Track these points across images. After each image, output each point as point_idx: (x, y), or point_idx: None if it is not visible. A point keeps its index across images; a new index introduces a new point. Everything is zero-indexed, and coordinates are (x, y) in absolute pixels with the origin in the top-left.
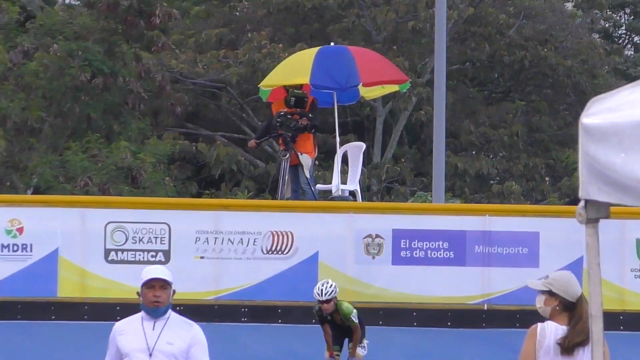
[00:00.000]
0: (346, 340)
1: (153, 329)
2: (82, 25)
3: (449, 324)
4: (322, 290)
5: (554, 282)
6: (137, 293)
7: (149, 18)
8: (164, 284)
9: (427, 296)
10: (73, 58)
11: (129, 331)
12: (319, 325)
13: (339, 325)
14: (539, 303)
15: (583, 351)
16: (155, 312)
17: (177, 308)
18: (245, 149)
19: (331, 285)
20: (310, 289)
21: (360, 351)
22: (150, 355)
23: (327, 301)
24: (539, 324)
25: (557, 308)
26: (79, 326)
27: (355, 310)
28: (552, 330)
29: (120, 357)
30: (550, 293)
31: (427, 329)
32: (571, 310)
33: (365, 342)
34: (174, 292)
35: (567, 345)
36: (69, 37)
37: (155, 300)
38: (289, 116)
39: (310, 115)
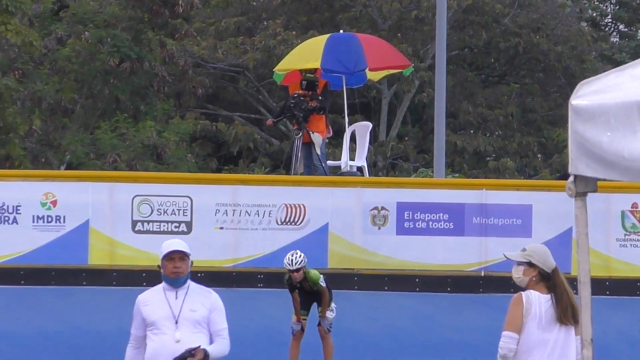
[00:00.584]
0: (314, 305)
1: (176, 298)
2: (111, 14)
3: (448, 289)
4: (292, 260)
5: (533, 254)
6: (158, 266)
7: (173, 7)
8: (182, 256)
9: (429, 264)
10: (103, 44)
11: (153, 302)
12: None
13: (308, 292)
14: (517, 273)
15: (571, 325)
16: (176, 281)
17: (198, 275)
18: (261, 128)
19: (300, 256)
20: (321, 257)
21: (329, 314)
22: (176, 322)
23: (297, 270)
24: (523, 293)
25: (534, 279)
26: (108, 291)
27: (322, 276)
28: (536, 298)
29: (145, 327)
30: (529, 264)
31: (428, 294)
32: (547, 280)
33: (333, 305)
34: (192, 262)
35: (562, 319)
36: (99, 25)
37: (175, 270)
38: (301, 98)
39: (320, 97)
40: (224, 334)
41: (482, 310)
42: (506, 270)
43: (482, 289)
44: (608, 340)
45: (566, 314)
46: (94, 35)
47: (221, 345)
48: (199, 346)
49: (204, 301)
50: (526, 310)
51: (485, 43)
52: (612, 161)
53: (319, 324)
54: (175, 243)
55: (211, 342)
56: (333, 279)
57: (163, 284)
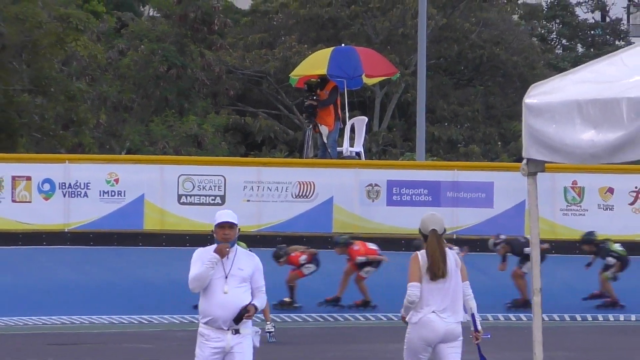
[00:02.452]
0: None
1: (227, 259)
2: (161, 31)
3: None
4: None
5: (421, 223)
6: (212, 231)
7: (210, 26)
8: (231, 225)
9: (412, 229)
10: (155, 55)
11: (207, 259)
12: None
13: None
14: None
15: (450, 276)
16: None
17: None
18: (280, 121)
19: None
20: (327, 224)
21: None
22: (226, 277)
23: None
24: (418, 252)
25: (420, 239)
26: (159, 251)
27: (245, 246)
28: (423, 256)
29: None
30: (419, 230)
31: (412, 252)
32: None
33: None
34: (239, 229)
35: (432, 277)
36: (152, 40)
37: (224, 237)
38: (305, 99)
39: (315, 97)
40: (263, 290)
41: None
42: (473, 234)
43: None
44: (553, 289)
45: (436, 269)
46: (148, 48)
47: (262, 299)
48: (250, 302)
49: (249, 262)
50: (422, 266)
51: (456, 54)
52: (557, 147)
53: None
54: (225, 214)
55: (252, 295)
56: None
57: (215, 245)
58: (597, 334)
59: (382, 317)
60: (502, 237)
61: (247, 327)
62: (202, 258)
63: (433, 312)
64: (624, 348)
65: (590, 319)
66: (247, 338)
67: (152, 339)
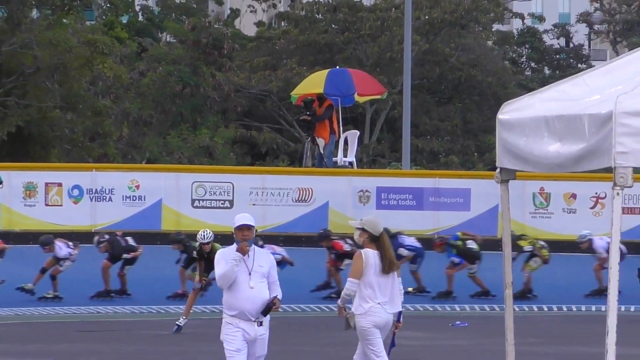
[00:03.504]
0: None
1: (248, 257)
2: (177, 54)
3: None
4: (204, 235)
5: (365, 223)
6: (232, 232)
7: (220, 50)
8: (249, 227)
9: (398, 229)
10: (171, 76)
11: (231, 258)
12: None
13: (211, 261)
14: (356, 236)
15: (394, 272)
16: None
17: None
18: (282, 134)
19: (209, 233)
20: (323, 225)
21: None
22: (250, 274)
23: (207, 243)
24: (362, 251)
25: (366, 239)
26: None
27: (219, 246)
28: (370, 254)
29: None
30: (363, 230)
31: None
32: (376, 241)
33: None
34: (256, 230)
35: (387, 270)
36: (169, 62)
37: (244, 237)
38: (301, 115)
39: (308, 113)
40: (277, 283)
41: (435, 262)
42: (452, 234)
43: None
44: (522, 284)
45: (388, 265)
46: (165, 70)
47: (279, 291)
48: (275, 296)
49: (266, 260)
50: (365, 263)
51: (437, 75)
52: (526, 158)
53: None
54: (244, 218)
55: (269, 288)
56: None
57: (235, 246)
58: (561, 322)
59: None
60: (106, 236)
61: (267, 319)
62: (224, 258)
63: (379, 303)
64: (584, 335)
65: (555, 309)
66: (267, 332)
67: (168, 326)
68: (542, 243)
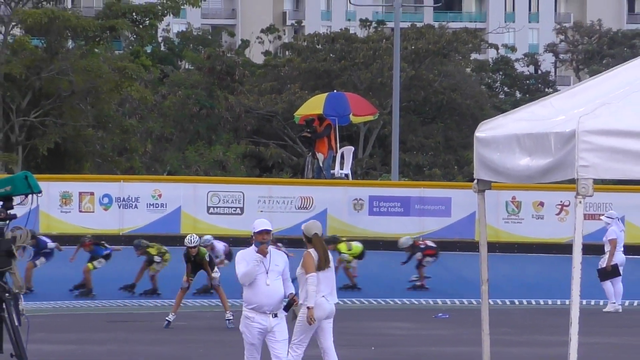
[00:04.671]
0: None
1: (266, 258)
2: (194, 80)
3: (400, 249)
4: (191, 240)
5: (303, 227)
6: (251, 236)
7: (232, 76)
8: (268, 231)
9: (388, 233)
10: (189, 99)
11: (252, 258)
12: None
13: (197, 263)
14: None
15: (330, 267)
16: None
17: (247, 239)
18: (286, 150)
19: (196, 238)
20: (323, 231)
21: (215, 275)
22: (267, 272)
23: (194, 247)
24: (309, 250)
25: (306, 240)
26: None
27: (207, 253)
28: (314, 253)
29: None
30: (303, 233)
31: (388, 252)
32: (310, 242)
33: (216, 269)
34: (273, 234)
35: (323, 266)
36: (187, 87)
37: (263, 240)
38: (303, 133)
39: (308, 129)
40: (290, 280)
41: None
42: (434, 237)
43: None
44: (496, 281)
45: (322, 262)
46: (184, 93)
47: (292, 287)
48: (292, 293)
49: (281, 259)
50: (314, 260)
51: (422, 98)
52: (500, 171)
53: (211, 284)
54: (263, 223)
55: (284, 284)
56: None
57: (253, 247)
58: (531, 315)
59: (372, 301)
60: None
61: (282, 312)
62: (245, 258)
63: (323, 296)
64: (551, 326)
65: (526, 303)
66: (283, 320)
67: (188, 318)
68: (357, 244)
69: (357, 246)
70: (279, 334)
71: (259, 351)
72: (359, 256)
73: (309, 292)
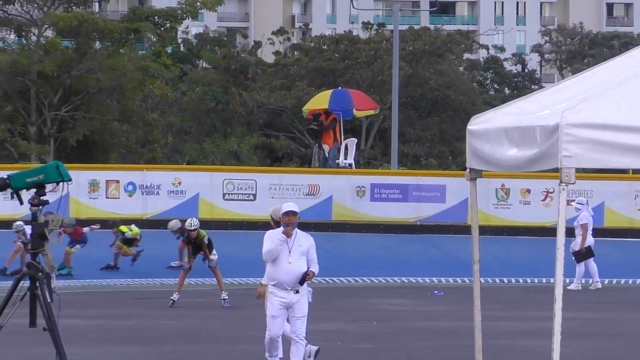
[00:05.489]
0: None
1: (290, 238)
2: (211, 78)
3: (399, 231)
4: (191, 223)
5: (271, 211)
6: (280, 217)
7: (246, 74)
8: (294, 213)
9: (388, 217)
10: (206, 95)
11: (276, 238)
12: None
13: (197, 245)
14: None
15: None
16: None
17: (259, 224)
18: (295, 141)
19: (196, 221)
20: (328, 214)
21: (213, 257)
22: (290, 252)
23: (194, 230)
24: (269, 231)
25: (272, 223)
26: (209, 233)
27: (207, 235)
28: (274, 235)
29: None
30: (271, 217)
31: (388, 235)
32: (278, 224)
33: (214, 252)
34: (299, 217)
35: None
36: (205, 84)
37: (289, 222)
38: (310, 125)
39: (315, 123)
40: (316, 261)
41: (418, 244)
42: (430, 222)
43: (417, 231)
44: (487, 261)
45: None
46: (201, 90)
47: (317, 268)
48: (309, 269)
49: (306, 241)
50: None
51: (419, 95)
52: (490, 161)
53: (209, 265)
54: (290, 205)
55: (308, 265)
56: (335, 226)
57: (281, 228)
58: (519, 292)
59: (374, 280)
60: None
61: (303, 289)
62: (271, 237)
63: None
64: (537, 302)
65: (514, 281)
66: (304, 296)
67: (205, 295)
68: (135, 227)
69: (135, 228)
70: (299, 310)
71: (281, 324)
72: (130, 242)
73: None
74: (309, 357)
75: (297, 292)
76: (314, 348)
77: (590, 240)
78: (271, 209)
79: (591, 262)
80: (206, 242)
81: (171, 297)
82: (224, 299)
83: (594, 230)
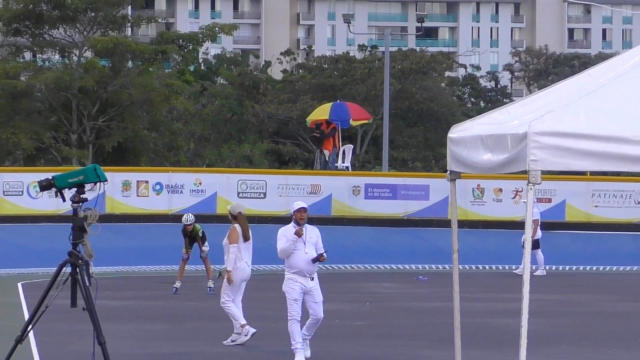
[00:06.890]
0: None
1: (301, 237)
2: (228, 92)
3: (389, 225)
4: (187, 219)
5: (230, 207)
6: (291, 214)
7: (258, 89)
8: (305, 209)
9: (380, 213)
10: (224, 107)
11: (290, 234)
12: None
13: (192, 237)
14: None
15: (250, 239)
16: (302, 223)
17: (269, 218)
18: (300, 147)
19: (192, 217)
20: (328, 210)
21: (204, 248)
22: (304, 243)
23: (190, 224)
24: (235, 225)
25: (231, 217)
26: (226, 226)
27: (201, 229)
28: (239, 227)
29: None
30: (229, 212)
31: (379, 228)
32: (236, 219)
33: (206, 244)
34: (308, 212)
35: (247, 237)
36: (222, 98)
37: (301, 218)
38: (313, 133)
39: (317, 131)
40: (323, 250)
41: (405, 236)
42: (416, 217)
43: (404, 225)
44: (464, 250)
45: (246, 234)
46: (219, 103)
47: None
48: (323, 252)
49: (315, 233)
50: (239, 233)
51: (407, 107)
52: (467, 164)
53: (200, 255)
54: (300, 203)
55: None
56: (334, 221)
57: (293, 223)
58: (493, 277)
59: (367, 266)
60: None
61: (316, 278)
62: (285, 234)
63: (245, 262)
64: (508, 285)
65: (488, 268)
66: (318, 283)
67: (219, 280)
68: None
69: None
70: (317, 296)
71: (299, 307)
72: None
73: (230, 259)
74: (246, 335)
75: (313, 279)
76: (252, 330)
77: (538, 234)
78: (229, 206)
79: (539, 253)
80: (200, 235)
81: (174, 285)
82: (210, 287)
83: (555, 224)
